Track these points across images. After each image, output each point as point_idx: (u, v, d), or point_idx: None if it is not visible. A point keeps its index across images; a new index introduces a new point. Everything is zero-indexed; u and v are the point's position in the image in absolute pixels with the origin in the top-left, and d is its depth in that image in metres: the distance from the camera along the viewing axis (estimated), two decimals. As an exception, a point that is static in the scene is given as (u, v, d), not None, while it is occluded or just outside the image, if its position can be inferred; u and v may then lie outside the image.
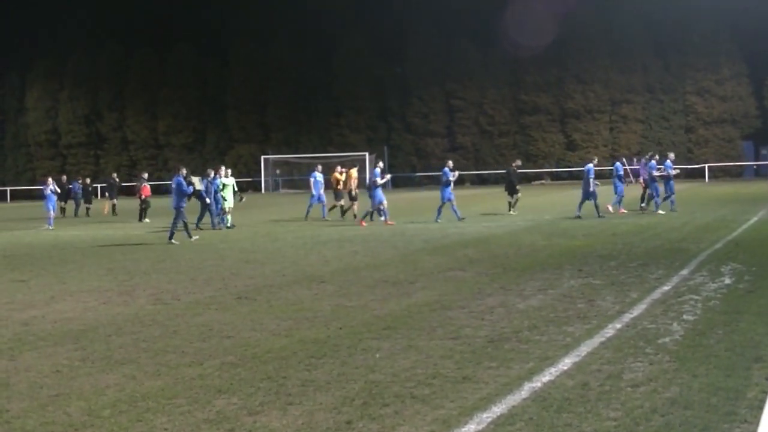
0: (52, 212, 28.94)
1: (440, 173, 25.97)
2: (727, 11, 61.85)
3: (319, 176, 28.37)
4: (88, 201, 38.24)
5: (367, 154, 59.44)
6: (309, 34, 73.32)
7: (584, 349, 7.43)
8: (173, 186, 20.96)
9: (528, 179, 61.99)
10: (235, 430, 5.55)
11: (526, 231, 20.44)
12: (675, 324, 8.37)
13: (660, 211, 25.01)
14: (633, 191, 30.73)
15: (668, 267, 12.65)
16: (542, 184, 64.70)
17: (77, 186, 38.51)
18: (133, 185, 67.04)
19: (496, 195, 39.72)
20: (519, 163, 31.17)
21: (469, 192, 48.90)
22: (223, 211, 25.36)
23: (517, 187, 28.26)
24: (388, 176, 25.94)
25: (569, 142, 70.22)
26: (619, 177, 26.46)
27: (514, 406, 5.79)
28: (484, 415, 5.61)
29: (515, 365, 6.93)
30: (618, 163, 27.47)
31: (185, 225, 20.98)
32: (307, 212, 28.42)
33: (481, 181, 69.04)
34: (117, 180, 40.13)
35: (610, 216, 24.26)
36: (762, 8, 58.94)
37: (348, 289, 11.60)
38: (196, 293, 11.74)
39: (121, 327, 9.28)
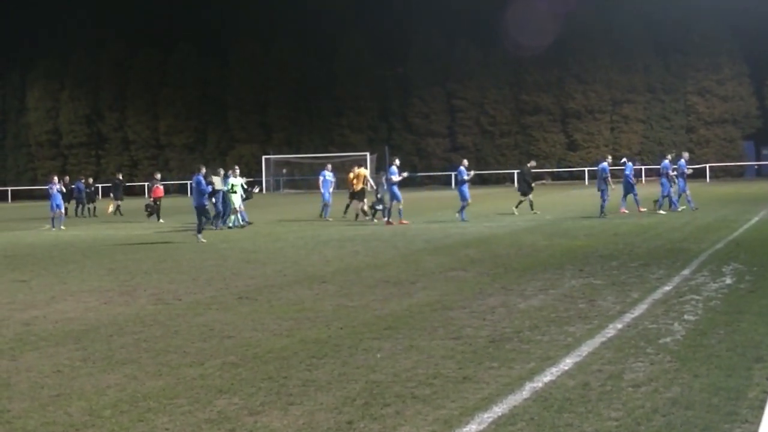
0: (56, 211, 28.14)
1: (456, 173, 25.97)
2: (728, 11, 61.83)
3: (329, 175, 28.24)
4: (91, 201, 38.22)
5: (368, 154, 59.48)
6: (310, 34, 73.35)
7: (585, 349, 7.43)
8: (193, 185, 21.11)
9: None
10: (236, 430, 5.55)
11: (528, 231, 20.43)
12: (676, 324, 8.36)
13: (661, 211, 25.06)
14: (643, 191, 30.66)
15: (669, 267, 12.64)
16: (543, 184, 64.58)
17: (81, 186, 38.47)
18: (133, 185, 67.47)
19: (497, 195, 39.77)
20: (533, 163, 30.73)
21: (470, 192, 48.74)
22: (234, 211, 25.42)
23: (533, 185, 28.19)
24: (405, 174, 25.79)
25: (570, 142, 70.23)
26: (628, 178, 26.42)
27: (515, 406, 5.79)
28: (486, 415, 5.61)
29: (516, 365, 6.93)
30: (629, 163, 27.25)
31: (200, 225, 21.10)
32: (326, 213, 28.00)
33: (482, 181, 68.98)
34: (122, 180, 40.05)
35: (612, 216, 24.24)
36: (763, 8, 58.91)
37: (349, 289, 11.60)
38: (198, 293, 11.75)
39: (122, 327, 9.28)
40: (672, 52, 67.89)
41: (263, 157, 69.02)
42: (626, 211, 25.49)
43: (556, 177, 67.81)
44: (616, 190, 25.77)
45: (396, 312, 9.63)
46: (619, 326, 8.34)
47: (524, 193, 27.96)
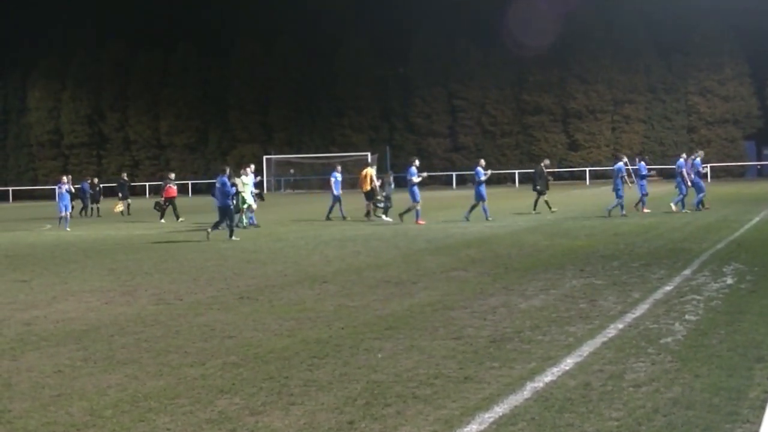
0: (64, 212, 27.82)
1: (473, 173, 25.99)
2: (729, 11, 61.83)
3: (339, 176, 28.20)
4: (96, 201, 38.17)
5: (369, 154, 59.44)
6: (311, 34, 73.38)
7: (586, 349, 7.43)
8: (217, 186, 21.22)
9: (530, 179, 61.90)
10: (237, 430, 5.55)
11: (528, 231, 20.43)
12: (677, 324, 8.36)
13: (674, 207, 25.09)
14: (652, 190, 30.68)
15: (670, 267, 12.64)
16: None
17: (87, 186, 38.41)
18: (134, 185, 67.43)
19: (497, 195, 39.76)
20: (547, 162, 30.24)
21: (470, 192, 48.76)
22: (248, 209, 25.41)
23: (548, 183, 28.14)
24: (425, 174, 25.58)
25: (572, 142, 70.23)
26: (642, 177, 26.33)
27: (516, 406, 5.79)
28: (486, 415, 5.61)
29: (517, 365, 6.93)
30: (642, 163, 27.00)
31: (219, 224, 21.25)
32: (342, 213, 27.83)
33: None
34: (127, 180, 40.00)
35: (612, 216, 24.24)
36: (764, 8, 58.91)
37: (350, 289, 11.60)
38: (198, 293, 11.75)
39: (123, 327, 9.28)
40: (673, 52, 67.89)
41: (264, 157, 69.01)
42: (648, 210, 25.36)
43: (558, 177, 67.76)
44: (632, 188, 25.71)
45: (397, 312, 9.63)
46: (620, 326, 8.34)
47: (541, 192, 27.79)
